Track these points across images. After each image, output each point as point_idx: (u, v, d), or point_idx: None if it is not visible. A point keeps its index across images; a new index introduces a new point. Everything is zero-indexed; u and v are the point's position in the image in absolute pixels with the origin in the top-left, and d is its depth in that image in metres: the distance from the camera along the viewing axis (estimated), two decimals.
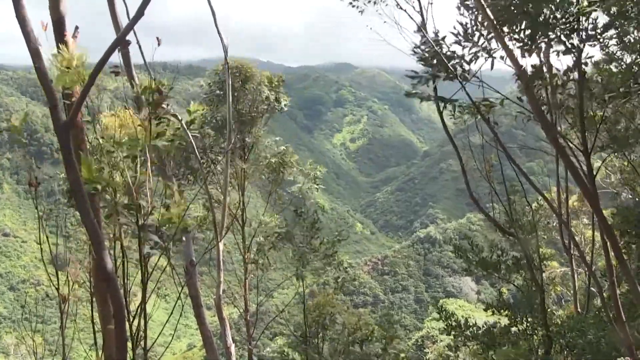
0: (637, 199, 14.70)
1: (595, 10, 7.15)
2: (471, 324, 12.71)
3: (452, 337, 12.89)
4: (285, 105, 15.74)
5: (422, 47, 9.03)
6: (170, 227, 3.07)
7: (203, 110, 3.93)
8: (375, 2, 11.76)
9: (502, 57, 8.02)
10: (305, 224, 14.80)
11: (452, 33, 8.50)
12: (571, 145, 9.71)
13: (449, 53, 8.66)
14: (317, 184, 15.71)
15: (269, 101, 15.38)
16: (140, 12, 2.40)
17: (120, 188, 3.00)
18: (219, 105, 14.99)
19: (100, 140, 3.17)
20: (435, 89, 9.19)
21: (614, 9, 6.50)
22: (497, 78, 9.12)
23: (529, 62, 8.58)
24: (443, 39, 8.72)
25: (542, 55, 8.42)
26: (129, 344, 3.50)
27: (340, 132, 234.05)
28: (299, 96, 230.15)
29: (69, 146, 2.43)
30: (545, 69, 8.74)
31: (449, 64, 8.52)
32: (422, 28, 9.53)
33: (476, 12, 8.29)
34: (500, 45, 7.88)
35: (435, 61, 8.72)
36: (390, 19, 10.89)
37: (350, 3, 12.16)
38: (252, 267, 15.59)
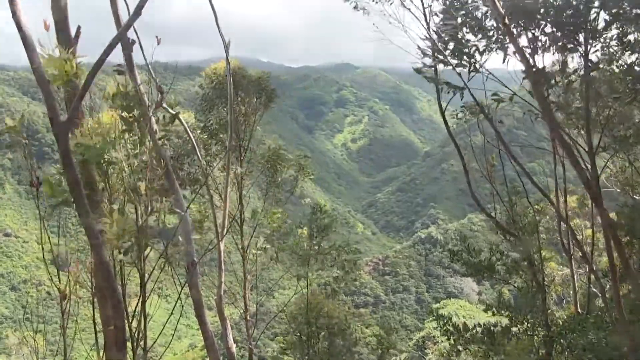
0: (637, 197, 14.65)
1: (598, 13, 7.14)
2: (470, 327, 12.58)
3: (451, 342, 12.71)
4: (273, 94, 15.62)
5: (443, 23, 8.98)
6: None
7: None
8: (380, 1, 11.66)
9: (514, 52, 7.99)
10: (317, 224, 14.75)
11: (468, 21, 8.50)
12: (575, 143, 9.66)
13: (463, 41, 8.65)
14: (307, 175, 15.65)
15: (259, 96, 15.32)
16: (137, 12, 2.40)
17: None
18: (212, 109, 15.00)
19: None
20: (437, 77, 9.18)
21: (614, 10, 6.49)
22: (499, 77, 9.10)
23: (542, 59, 8.56)
24: (462, 23, 8.69)
25: (553, 54, 8.40)
26: (129, 344, 3.50)
27: (341, 132, 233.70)
28: (300, 96, 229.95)
29: (67, 146, 2.43)
30: (556, 68, 8.70)
31: (463, 50, 8.51)
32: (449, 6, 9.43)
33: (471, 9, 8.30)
34: (509, 41, 7.86)
35: (451, 44, 8.69)
36: (394, 18, 10.92)
37: (355, 7, 12.07)
38: (252, 267, 15.54)
